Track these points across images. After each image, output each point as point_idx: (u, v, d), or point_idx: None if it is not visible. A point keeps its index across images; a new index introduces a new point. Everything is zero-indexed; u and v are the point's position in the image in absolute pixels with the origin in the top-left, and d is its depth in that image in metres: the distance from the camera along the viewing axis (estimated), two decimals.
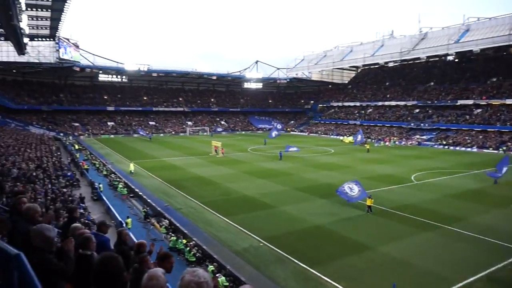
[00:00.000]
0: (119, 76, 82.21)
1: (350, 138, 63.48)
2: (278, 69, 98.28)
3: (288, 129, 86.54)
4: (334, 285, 12.77)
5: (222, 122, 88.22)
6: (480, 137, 57.49)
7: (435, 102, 70.03)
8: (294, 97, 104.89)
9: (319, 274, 13.50)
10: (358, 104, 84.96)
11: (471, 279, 13.18)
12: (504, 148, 51.01)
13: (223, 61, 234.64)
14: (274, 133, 53.25)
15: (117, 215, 19.28)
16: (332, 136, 72.48)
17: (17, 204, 4.74)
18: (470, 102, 64.84)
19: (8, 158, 24.30)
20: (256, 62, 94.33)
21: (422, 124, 66.93)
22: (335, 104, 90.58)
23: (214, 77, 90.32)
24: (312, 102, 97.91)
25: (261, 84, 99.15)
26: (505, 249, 15.94)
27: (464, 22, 65.40)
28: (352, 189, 21.45)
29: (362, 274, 13.74)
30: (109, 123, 75.90)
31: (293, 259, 14.86)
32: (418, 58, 72.18)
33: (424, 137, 63.40)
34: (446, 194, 25.68)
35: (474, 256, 15.35)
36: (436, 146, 58.32)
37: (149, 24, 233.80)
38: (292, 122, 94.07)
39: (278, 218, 20.44)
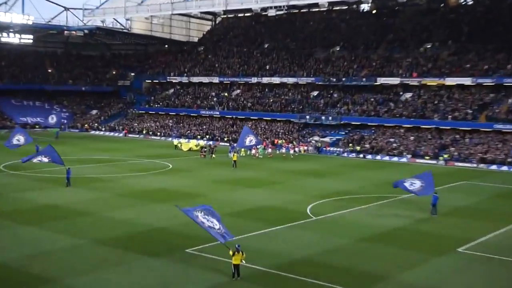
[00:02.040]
0: None
1: (194, 142, 46.12)
2: (67, 9, 65.90)
3: (86, 125, 59.40)
4: None
5: None
6: (411, 138, 41.49)
7: (342, 79, 49.51)
8: (99, 65, 71.84)
9: None
10: (217, 80, 58.32)
11: None
12: (445, 156, 38.45)
13: None
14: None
15: None
16: (171, 139, 52.38)
17: None
18: (396, 80, 46.37)
19: None
20: None
21: (323, 117, 47.59)
22: (176, 79, 62.05)
23: None
24: (133, 74, 68.70)
25: (32, 37, 64.69)
26: None
27: None
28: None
29: None
30: None
31: None
32: (316, 5, 52.53)
33: (326, 139, 45.40)
34: (358, 238, 17.60)
35: None
36: (345, 154, 42.97)
37: None
38: (95, 112, 64.66)
39: None
